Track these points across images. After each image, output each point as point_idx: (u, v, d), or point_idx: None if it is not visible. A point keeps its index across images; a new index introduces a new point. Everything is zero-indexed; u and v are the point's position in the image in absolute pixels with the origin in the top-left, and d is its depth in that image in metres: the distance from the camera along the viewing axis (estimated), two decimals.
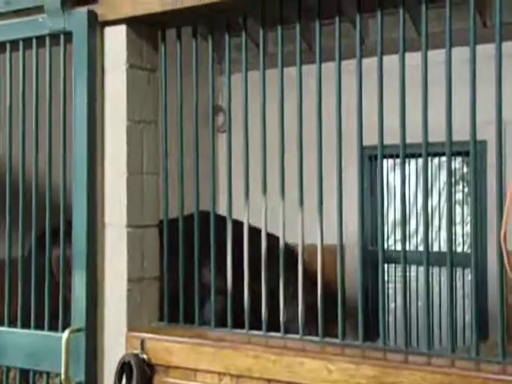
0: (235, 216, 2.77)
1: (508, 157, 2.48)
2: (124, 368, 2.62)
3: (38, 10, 2.83)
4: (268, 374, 2.39)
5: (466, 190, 6.45)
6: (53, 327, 2.80)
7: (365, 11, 2.48)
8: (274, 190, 2.64)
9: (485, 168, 5.54)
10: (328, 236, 2.59)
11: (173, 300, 2.81)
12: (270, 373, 2.38)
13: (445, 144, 2.31)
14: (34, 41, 2.88)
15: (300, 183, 2.58)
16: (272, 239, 2.68)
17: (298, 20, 2.58)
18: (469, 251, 6.36)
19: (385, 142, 2.42)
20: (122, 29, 2.77)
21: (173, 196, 2.83)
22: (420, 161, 6.03)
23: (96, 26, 2.77)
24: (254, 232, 2.67)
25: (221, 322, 2.72)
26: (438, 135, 2.57)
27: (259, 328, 2.61)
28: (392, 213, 6.39)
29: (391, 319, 6.31)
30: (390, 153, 3.25)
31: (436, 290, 5.94)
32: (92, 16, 2.75)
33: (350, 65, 2.65)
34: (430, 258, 2.35)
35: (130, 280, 2.75)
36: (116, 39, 2.79)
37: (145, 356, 2.62)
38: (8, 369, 2.99)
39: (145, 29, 2.84)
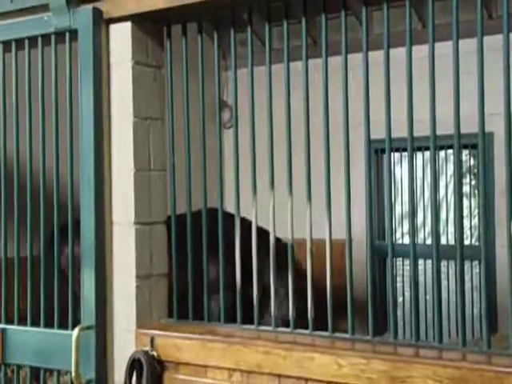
0: (242, 212, 2.77)
1: None
2: (134, 365, 2.62)
3: (43, 8, 2.83)
4: (278, 370, 2.39)
5: (472, 182, 6.43)
6: (62, 324, 2.81)
7: (370, 4, 2.47)
8: (282, 185, 2.63)
9: (492, 160, 5.53)
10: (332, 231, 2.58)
11: (181, 297, 2.81)
12: (280, 368, 2.38)
13: (451, 137, 2.30)
14: (40, 39, 2.88)
15: (308, 178, 2.57)
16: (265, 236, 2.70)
17: (303, 14, 2.57)
18: (476, 244, 6.36)
19: (391, 136, 2.42)
20: (127, 26, 2.77)
21: (179, 192, 2.84)
22: (426, 154, 6.03)
23: (101, 23, 2.77)
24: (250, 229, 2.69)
25: (226, 318, 2.73)
26: (443, 128, 2.57)
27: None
28: (399, 206, 6.38)
29: (399, 313, 6.31)
30: (396, 146, 3.25)
31: (444, 283, 5.93)
32: (97, 13, 2.75)
33: (355, 59, 2.64)
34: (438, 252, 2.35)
35: (138, 277, 2.75)
36: (121, 36, 2.79)
37: (154, 353, 2.63)
38: (19, 367, 3.00)
39: (150, 25, 2.84)
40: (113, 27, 2.80)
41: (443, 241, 6.15)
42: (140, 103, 2.80)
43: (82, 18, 2.75)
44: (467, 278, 5.91)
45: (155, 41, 2.87)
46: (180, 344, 2.60)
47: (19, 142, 2.98)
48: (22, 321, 2.96)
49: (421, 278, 5.90)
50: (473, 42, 2.27)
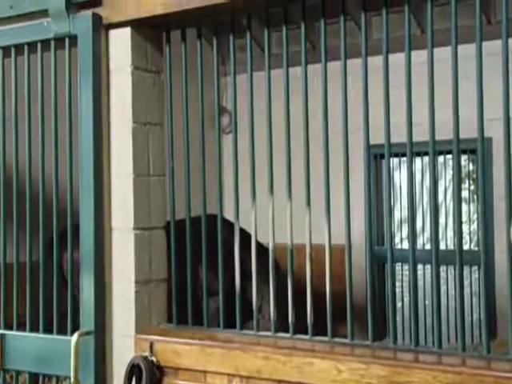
0: (241, 217, 2.77)
1: None
2: (133, 370, 2.62)
3: (43, 13, 2.83)
4: (277, 375, 2.38)
5: (471, 187, 6.44)
6: (61, 330, 2.81)
7: (369, 10, 2.47)
8: (281, 190, 2.63)
9: (490, 165, 5.53)
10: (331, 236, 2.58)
11: (179, 302, 2.81)
12: (280, 374, 2.38)
13: (450, 142, 2.30)
14: (39, 45, 2.88)
15: (307, 183, 2.58)
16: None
17: (302, 20, 2.58)
18: (475, 249, 6.36)
19: (390, 141, 2.42)
20: (126, 31, 2.78)
21: (178, 197, 2.84)
22: (425, 159, 6.04)
23: (101, 28, 2.77)
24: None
25: (215, 322, 2.74)
26: (442, 133, 2.57)
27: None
28: (398, 211, 6.39)
29: (398, 318, 6.30)
30: (395, 151, 3.25)
31: (443, 288, 5.93)
32: (96, 19, 2.75)
33: (354, 64, 2.64)
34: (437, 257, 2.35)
35: (137, 282, 2.75)
36: (121, 42, 2.79)
37: (154, 358, 2.62)
38: (18, 373, 2.99)
39: (149, 31, 2.84)
40: (112, 33, 2.81)
41: (442, 246, 6.14)
42: (139, 108, 2.80)
43: (82, 23, 2.75)
44: (466, 283, 5.91)
45: (155, 46, 2.88)
46: (179, 349, 2.60)
47: (19, 148, 2.98)
48: (20, 326, 2.95)
49: (420, 283, 5.90)
50: (472, 47, 2.27)
